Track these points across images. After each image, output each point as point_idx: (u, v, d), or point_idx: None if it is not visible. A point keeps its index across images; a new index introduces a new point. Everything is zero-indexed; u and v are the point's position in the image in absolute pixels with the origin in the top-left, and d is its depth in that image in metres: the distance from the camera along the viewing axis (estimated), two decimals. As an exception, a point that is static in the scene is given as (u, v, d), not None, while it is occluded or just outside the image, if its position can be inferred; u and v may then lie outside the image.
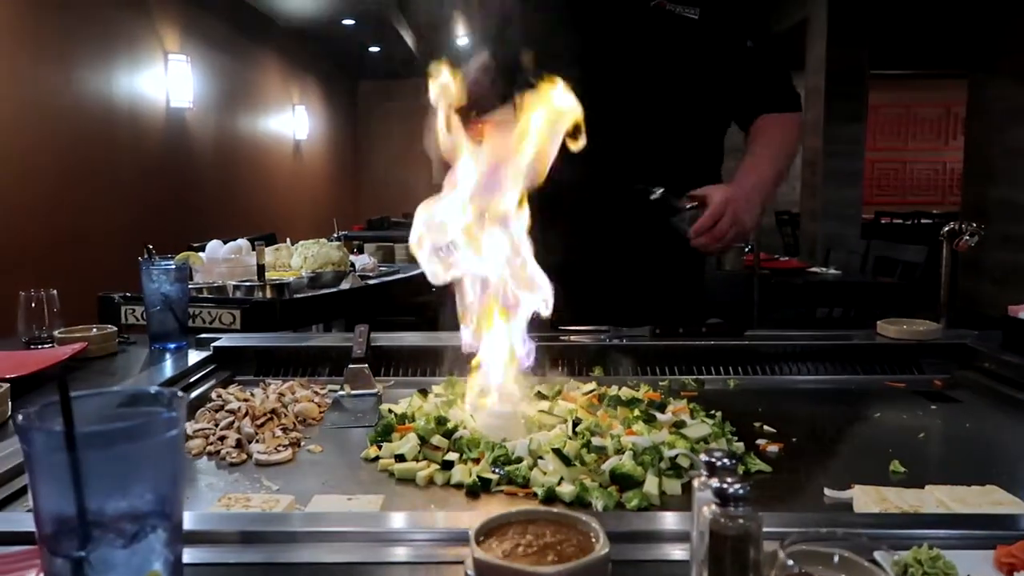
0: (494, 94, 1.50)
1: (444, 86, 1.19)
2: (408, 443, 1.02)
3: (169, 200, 5.85)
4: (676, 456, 0.96)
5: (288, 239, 3.33)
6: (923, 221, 9.24)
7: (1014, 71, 5.49)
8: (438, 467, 0.98)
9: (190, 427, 1.13)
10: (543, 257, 1.20)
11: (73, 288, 2.22)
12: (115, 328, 1.60)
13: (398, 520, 0.81)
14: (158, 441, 0.55)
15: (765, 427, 1.15)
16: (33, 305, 1.56)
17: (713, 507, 0.56)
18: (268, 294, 2.61)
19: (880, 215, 9.70)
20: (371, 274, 3.38)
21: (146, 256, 1.70)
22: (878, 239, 5.15)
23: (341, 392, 1.34)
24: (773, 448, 1.07)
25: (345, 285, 2.92)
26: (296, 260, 3.02)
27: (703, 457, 0.59)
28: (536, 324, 1.20)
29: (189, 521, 0.69)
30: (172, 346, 1.54)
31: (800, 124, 1.79)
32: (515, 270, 1.17)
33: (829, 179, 6.81)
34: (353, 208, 11.13)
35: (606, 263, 1.68)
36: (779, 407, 1.27)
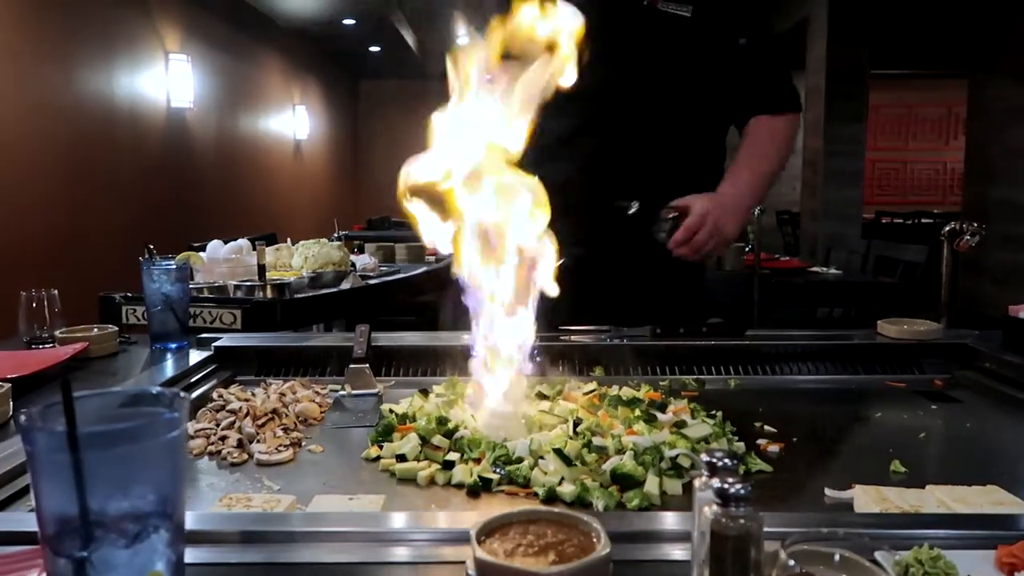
0: None
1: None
2: (409, 443, 1.02)
3: (170, 200, 5.85)
4: (677, 456, 0.96)
5: (289, 239, 3.33)
6: (924, 221, 9.24)
7: (1014, 71, 5.49)
8: (439, 467, 0.98)
9: (191, 427, 1.13)
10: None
11: (74, 288, 2.22)
12: (116, 328, 1.60)
13: (399, 520, 0.81)
14: (160, 442, 0.55)
15: (766, 427, 1.15)
16: (34, 305, 1.56)
17: (714, 507, 0.56)
18: (269, 294, 2.61)
19: (881, 215, 9.70)
20: (372, 274, 3.38)
21: (147, 256, 1.70)
22: (879, 239, 5.15)
23: (342, 392, 1.34)
24: (774, 448, 1.07)
25: (346, 285, 2.92)
26: (297, 260, 3.02)
27: (704, 457, 0.59)
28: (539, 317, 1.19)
29: (190, 521, 0.69)
30: (173, 346, 1.54)
31: (795, 124, 1.76)
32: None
33: (830, 179, 6.81)
34: (353, 208, 11.13)
35: (607, 263, 1.68)
36: (780, 407, 1.27)
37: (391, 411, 1.19)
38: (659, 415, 1.11)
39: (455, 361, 1.37)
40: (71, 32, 4.67)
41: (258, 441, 1.10)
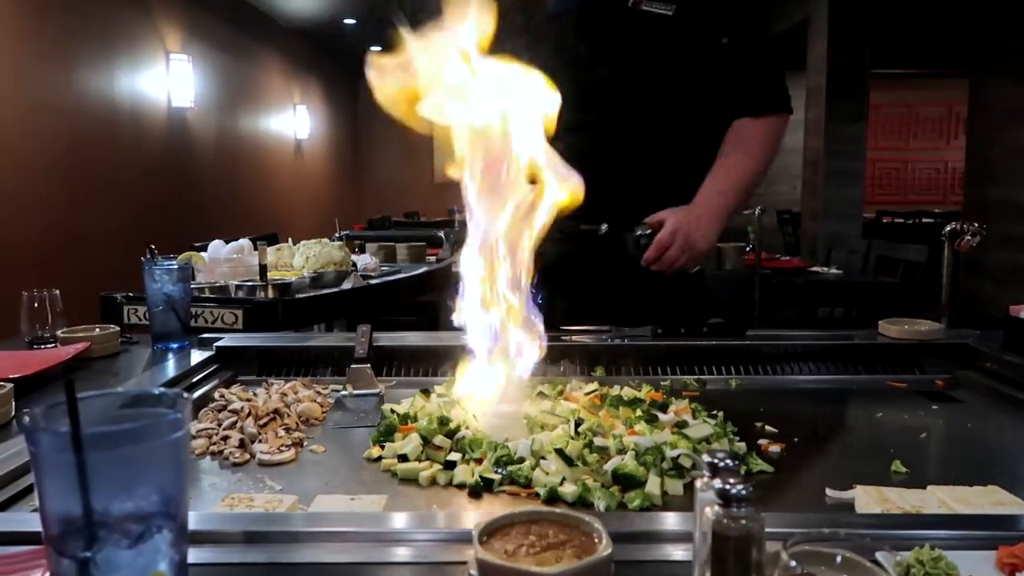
0: None
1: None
2: (411, 443, 1.03)
3: (171, 200, 5.86)
4: (678, 456, 0.96)
5: (290, 239, 3.33)
6: (924, 221, 9.24)
7: (1015, 71, 5.49)
8: (441, 467, 0.99)
9: (193, 427, 1.13)
10: (542, 257, 1.21)
11: (76, 288, 2.22)
12: (118, 328, 1.60)
13: (401, 520, 0.81)
14: (163, 442, 0.55)
15: (767, 427, 1.15)
16: (36, 305, 1.56)
17: (715, 508, 0.57)
18: (270, 294, 2.61)
19: (881, 215, 9.70)
20: (373, 274, 3.38)
21: (148, 256, 1.70)
22: (879, 239, 5.15)
23: (343, 392, 1.34)
24: (775, 448, 1.08)
25: (347, 285, 2.92)
26: (298, 260, 3.02)
27: (705, 457, 0.59)
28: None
29: (193, 521, 0.69)
30: (175, 346, 1.54)
31: (780, 126, 1.72)
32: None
33: (830, 178, 6.80)
34: (354, 208, 11.14)
35: (607, 263, 1.69)
36: (781, 407, 1.27)
37: (392, 411, 1.19)
38: (660, 415, 1.11)
39: (456, 361, 1.38)
40: (72, 32, 4.67)
41: (260, 441, 1.10)
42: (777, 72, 1.74)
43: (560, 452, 0.96)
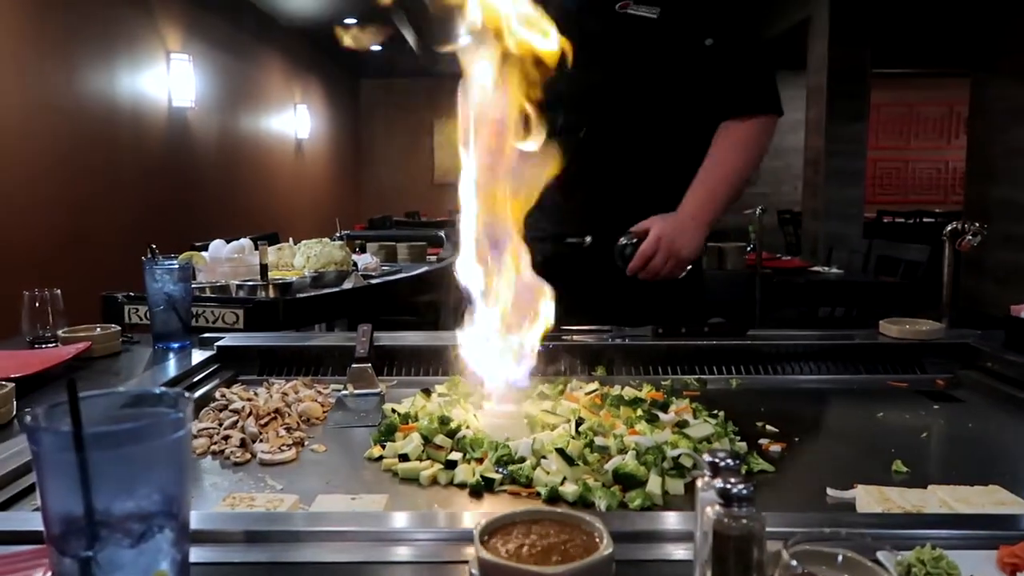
0: None
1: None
2: (411, 443, 1.03)
3: (171, 200, 5.86)
4: (679, 456, 0.96)
5: (291, 238, 3.33)
6: (925, 220, 9.24)
7: (1016, 70, 5.49)
8: (441, 467, 0.99)
9: (194, 426, 1.13)
10: (543, 257, 1.21)
11: (77, 288, 2.22)
12: (119, 328, 1.60)
13: (402, 520, 0.81)
14: (165, 442, 0.56)
15: (768, 427, 1.15)
16: (37, 305, 1.56)
17: (716, 507, 0.57)
18: (271, 294, 2.62)
19: (882, 214, 9.70)
20: (373, 273, 3.38)
21: (149, 256, 1.70)
22: (880, 238, 5.15)
23: (344, 392, 1.35)
24: (776, 448, 1.08)
25: (348, 284, 2.92)
26: (299, 259, 3.03)
27: (706, 457, 0.59)
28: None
29: (194, 520, 0.69)
30: (176, 345, 1.54)
31: (767, 127, 1.71)
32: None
33: (831, 178, 6.80)
34: (355, 207, 11.14)
35: (595, 273, 1.68)
36: (782, 407, 1.27)
37: (393, 411, 1.19)
38: (661, 415, 1.11)
39: (457, 361, 1.38)
40: (72, 32, 4.67)
41: (261, 441, 1.10)
42: (764, 73, 1.72)
43: (561, 452, 0.96)
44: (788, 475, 1.00)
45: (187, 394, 0.61)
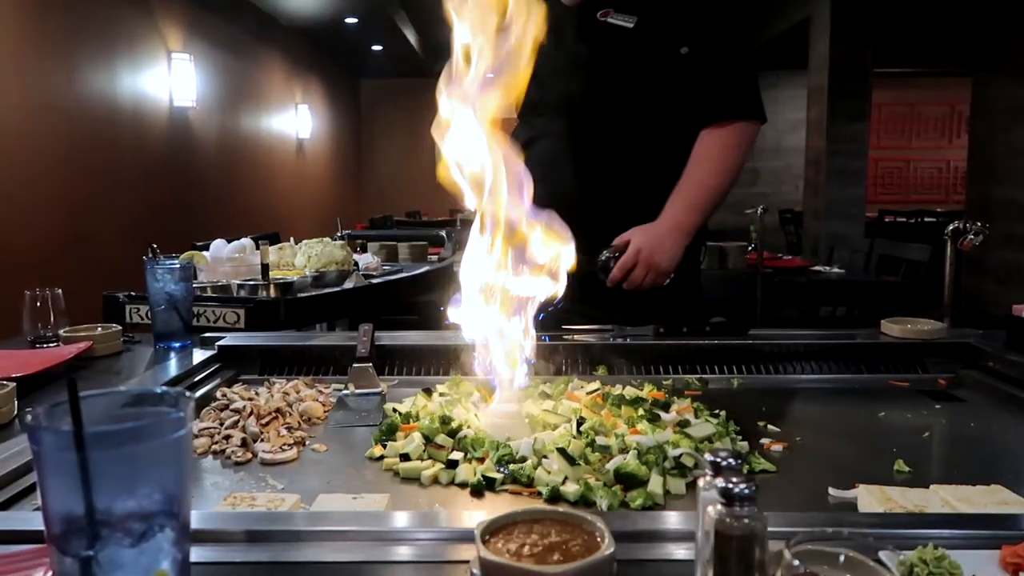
0: None
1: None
2: (412, 442, 1.03)
3: (172, 199, 5.86)
4: (680, 455, 0.96)
5: (292, 238, 3.33)
6: (927, 220, 9.23)
7: (1017, 70, 5.48)
8: (443, 466, 0.99)
9: (195, 426, 1.13)
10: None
11: (78, 287, 2.22)
12: (120, 327, 1.60)
13: (403, 519, 0.81)
14: (166, 441, 0.55)
15: (769, 426, 1.15)
16: (38, 304, 1.56)
17: (718, 507, 0.56)
18: (272, 293, 2.62)
19: (884, 214, 9.70)
20: (374, 273, 3.38)
21: (150, 255, 1.70)
22: (882, 238, 5.15)
23: (345, 391, 1.35)
24: (777, 447, 1.08)
25: (349, 284, 2.92)
26: (300, 259, 3.03)
27: (708, 457, 0.59)
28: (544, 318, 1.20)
29: (195, 520, 0.69)
30: (177, 345, 1.54)
31: (747, 133, 1.70)
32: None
33: (832, 178, 6.80)
34: (356, 207, 11.15)
35: (581, 284, 1.69)
36: (783, 406, 1.27)
37: (394, 410, 1.19)
38: (663, 414, 1.11)
39: (458, 360, 1.38)
40: (73, 32, 4.67)
41: (262, 440, 1.10)
42: (744, 79, 1.72)
43: (562, 451, 0.96)
44: (790, 475, 1.00)
45: (188, 393, 0.61)
